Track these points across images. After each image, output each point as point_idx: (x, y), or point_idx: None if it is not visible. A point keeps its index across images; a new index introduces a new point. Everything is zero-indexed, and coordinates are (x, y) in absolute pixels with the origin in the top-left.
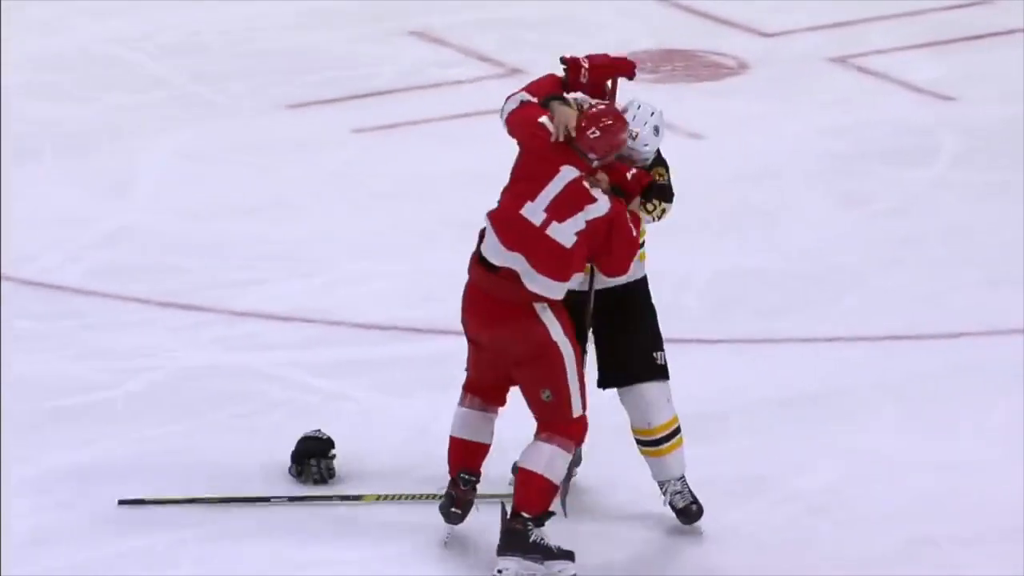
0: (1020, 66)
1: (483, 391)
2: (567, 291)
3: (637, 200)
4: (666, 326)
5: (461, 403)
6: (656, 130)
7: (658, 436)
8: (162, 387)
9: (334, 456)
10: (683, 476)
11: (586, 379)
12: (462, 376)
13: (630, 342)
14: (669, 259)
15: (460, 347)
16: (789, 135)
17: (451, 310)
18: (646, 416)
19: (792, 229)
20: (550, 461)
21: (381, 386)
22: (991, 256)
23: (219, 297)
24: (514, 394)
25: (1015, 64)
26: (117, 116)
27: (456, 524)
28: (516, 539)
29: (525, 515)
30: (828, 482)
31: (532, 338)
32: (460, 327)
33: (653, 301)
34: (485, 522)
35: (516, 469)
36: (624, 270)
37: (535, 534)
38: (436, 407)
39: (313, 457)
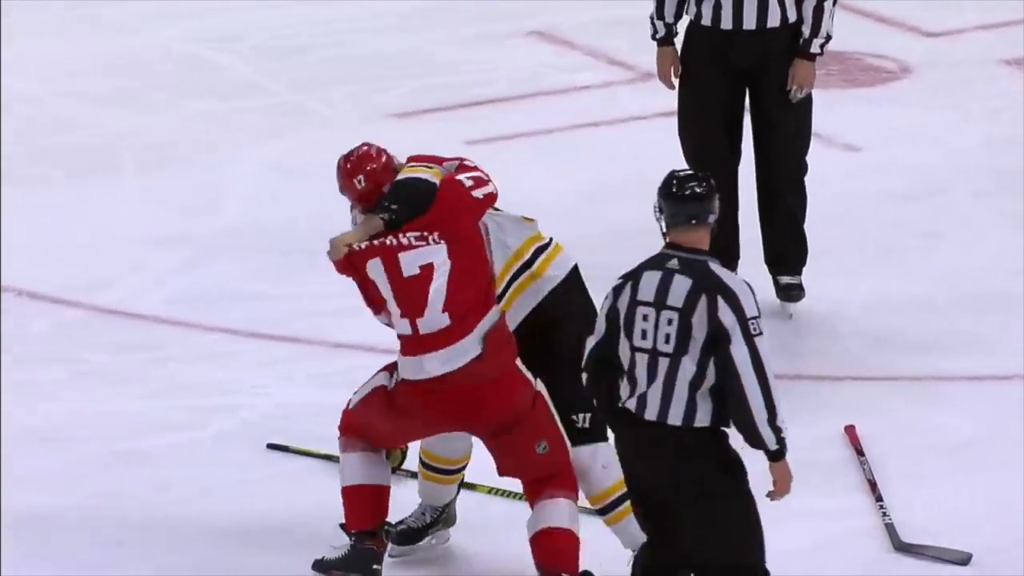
0: None
1: (377, 446)
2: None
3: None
4: (817, 359)
5: (351, 449)
6: None
7: (604, 503)
8: (252, 427)
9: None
10: None
11: None
12: None
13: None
14: (821, 285)
15: None
16: (956, 147)
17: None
18: (582, 487)
19: (958, 253)
20: (571, 514)
21: None
22: None
23: (316, 327)
24: None
25: None
26: (204, 126)
27: None
28: None
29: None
30: (993, 539)
31: (524, 401)
32: None
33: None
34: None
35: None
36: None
37: None
38: None
39: None
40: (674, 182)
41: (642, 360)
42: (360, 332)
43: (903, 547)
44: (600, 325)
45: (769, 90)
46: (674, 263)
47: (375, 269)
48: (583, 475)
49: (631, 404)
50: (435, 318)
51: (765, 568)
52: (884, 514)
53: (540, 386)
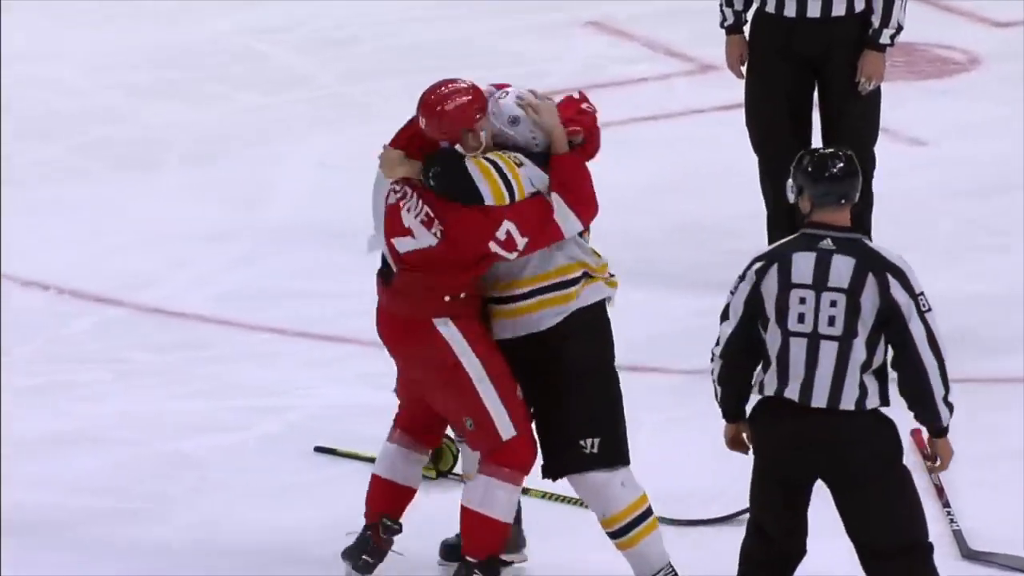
0: None
1: (413, 427)
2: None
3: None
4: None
5: (389, 438)
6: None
7: (619, 526)
8: (299, 429)
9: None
10: (668, 565)
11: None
12: (639, 419)
13: (553, 423)
14: None
15: (638, 386)
16: None
17: (628, 344)
18: (597, 507)
19: None
20: (485, 494)
21: None
22: None
23: (366, 327)
24: None
25: None
26: (252, 119)
27: (365, 574)
28: None
29: (470, 560)
30: None
31: (435, 362)
32: (633, 363)
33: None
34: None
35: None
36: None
37: None
38: None
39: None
40: (820, 162)
41: (799, 345)
42: None
43: (971, 555)
44: (736, 312)
45: (835, 81)
46: (827, 243)
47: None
48: (595, 496)
49: (791, 393)
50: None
51: (931, 543)
52: (952, 521)
53: (472, 363)
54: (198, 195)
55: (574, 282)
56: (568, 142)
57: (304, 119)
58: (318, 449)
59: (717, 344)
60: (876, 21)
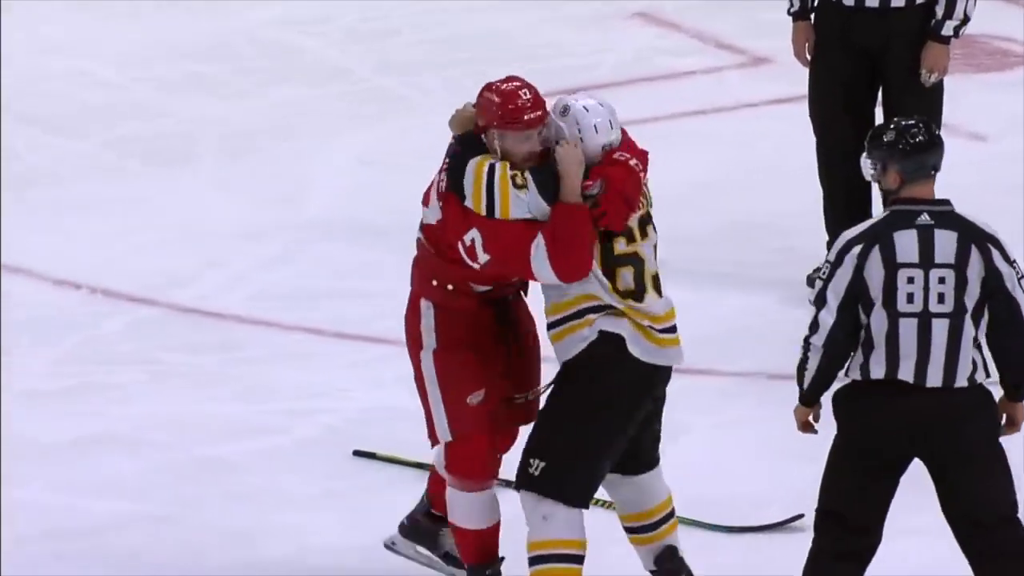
0: None
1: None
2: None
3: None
4: None
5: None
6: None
7: (529, 555)
8: (337, 433)
9: None
10: None
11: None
12: (687, 422)
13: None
14: None
15: (686, 388)
16: None
17: (684, 340)
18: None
19: None
20: (448, 499)
21: None
22: None
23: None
24: None
25: None
26: (289, 113)
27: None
28: None
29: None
30: None
31: (411, 338)
32: (683, 365)
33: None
34: None
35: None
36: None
37: None
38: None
39: None
40: (905, 135)
41: (909, 326)
42: None
43: None
44: (836, 298)
45: (894, 73)
46: (925, 218)
47: None
48: (526, 516)
49: (905, 374)
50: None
51: None
52: None
53: (428, 362)
54: (232, 192)
55: (579, 315)
56: (584, 195)
57: (341, 113)
58: (357, 453)
59: (814, 332)
60: (939, 12)
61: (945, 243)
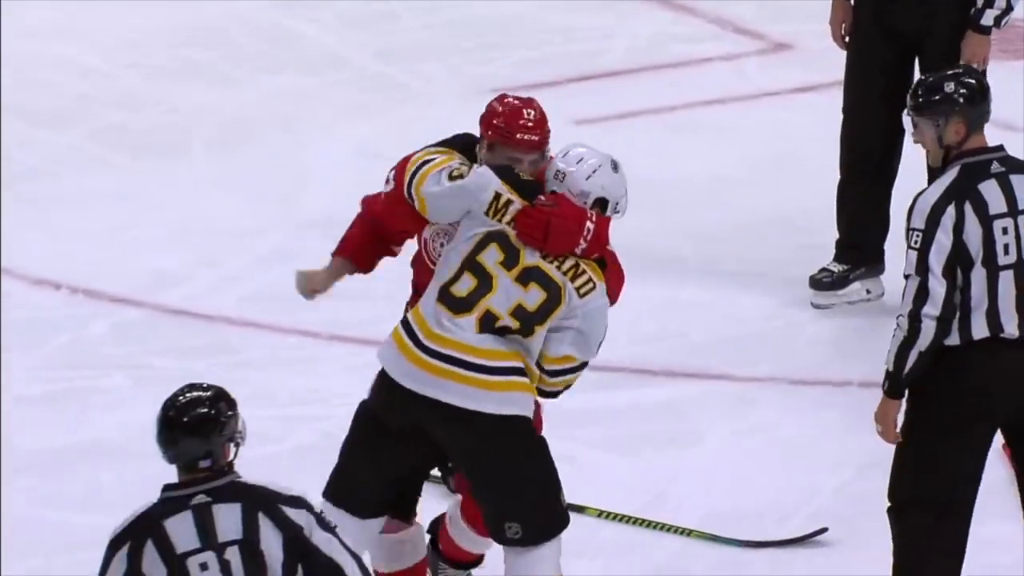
0: None
1: None
2: None
3: None
4: None
5: None
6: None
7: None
8: (335, 441)
9: None
10: None
11: None
12: (702, 430)
13: None
14: None
15: (701, 394)
16: None
17: (692, 347)
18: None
19: None
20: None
21: (604, 441)
22: None
23: None
24: None
25: None
26: (284, 103)
27: None
28: None
29: None
30: None
31: None
32: (698, 369)
33: None
34: None
35: None
36: None
37: None
38: (672, 468)
39: None
40: (969, 81)
41: (1007, 280)
42: None
43: None
44: (939, 265)
45: (933, 61)
46: (996, 166)
47: None
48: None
49: (1010, 330)
50: None
51: None
52: None
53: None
54: (225, 186)
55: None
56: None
57: (339, 103)
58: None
59: (922, 304)
60: (979, 0)
61: (1020, 187)
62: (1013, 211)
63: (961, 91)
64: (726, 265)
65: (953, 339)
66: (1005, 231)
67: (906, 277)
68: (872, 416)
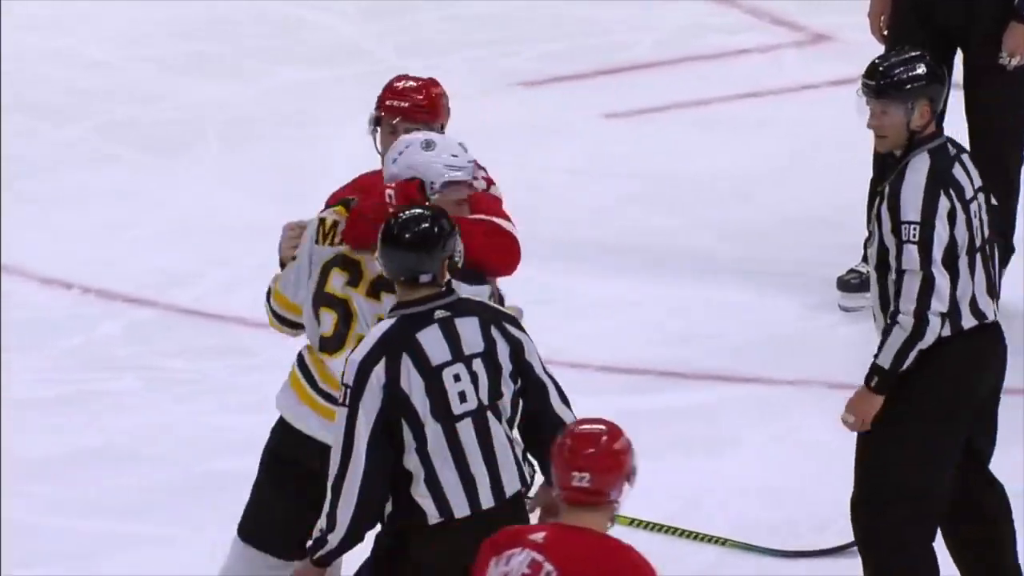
0: None
1: None
2: None
3: None
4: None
5: None
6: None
7: None
8: None
9: None
10: None
11: None
12: (735, 435)
13: None
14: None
15: (733, 398)
16: None
17: (723, 349)
18: None
19: None
20: None
21: (633, 447)
22: None
23: None
24: None
25: None
26: (298, 98)
27: None
28: None
29: None
30: None
31: None
32: (730, 372)
33: None
34: None
35: None
36: None
37: None
38: (704, 474)
39: None
40: (927, 62)
41: (979, 262)
42: None
43: None
44: (940, 255)
45: (975, 55)
46: (951, 149)
47: None
48: None
49: (990, 314)
50: None
51: None
52: None
53: None
54: (237, 183)
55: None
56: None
57: (356, 98)
58: None
59: (929, 299)
60: None
61: (971, 167)
62: (976, 191)
63: (929, 74)
64: (758, 264)
65: (945, 330)
66: (975, 213)
67: (900, 272)
68: None
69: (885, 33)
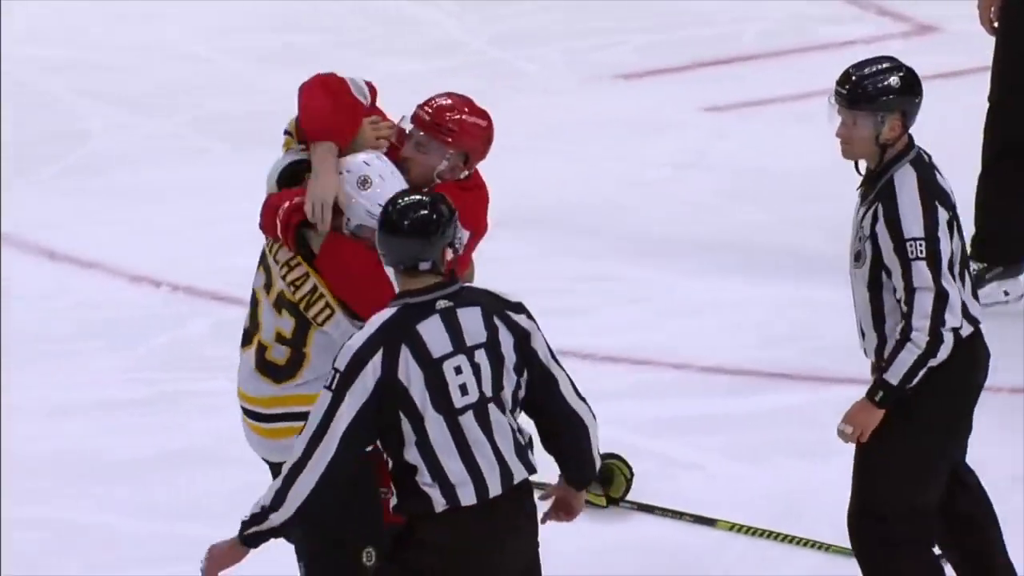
0: None
1: None
2: None
3: None
4: None
5: None
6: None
7: None
8: None
9: None
10: None
11: None
12: (830, 439)
13: None
14: None
15: (837, 399)
16: None
17: (826, 350)
18: None
19: None
20: None
21: (733, 450)
22: None
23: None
24: None
25: None
26: (397, 89)
27: None
28: None
29: None
30: None
31: None
32: (831, 373)
33: None
34: None
35: None
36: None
37: None
38: (807, 478)
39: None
40: (905, 71)
41: (961, 270)
42: (571, 335)
43: None
44: (946, 267)
45: None
46: (927, 157)
47: None
48: None
49: (977, 312)
50: None
51: None
52: None
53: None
54: None
55: None
56: None
57: (454, 89)
58: None
59: (943, 314)
60: None
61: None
62: (952, 199)
63: (904, 87)
64: None
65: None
66: (958, 220)
67: (911, 291)
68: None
69: (995, 24)
